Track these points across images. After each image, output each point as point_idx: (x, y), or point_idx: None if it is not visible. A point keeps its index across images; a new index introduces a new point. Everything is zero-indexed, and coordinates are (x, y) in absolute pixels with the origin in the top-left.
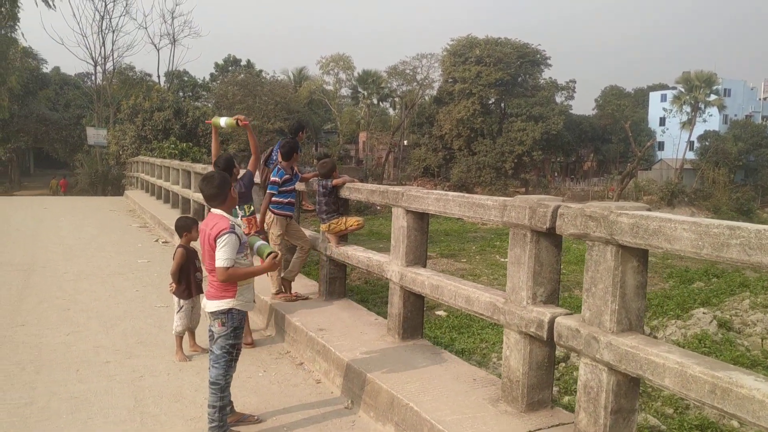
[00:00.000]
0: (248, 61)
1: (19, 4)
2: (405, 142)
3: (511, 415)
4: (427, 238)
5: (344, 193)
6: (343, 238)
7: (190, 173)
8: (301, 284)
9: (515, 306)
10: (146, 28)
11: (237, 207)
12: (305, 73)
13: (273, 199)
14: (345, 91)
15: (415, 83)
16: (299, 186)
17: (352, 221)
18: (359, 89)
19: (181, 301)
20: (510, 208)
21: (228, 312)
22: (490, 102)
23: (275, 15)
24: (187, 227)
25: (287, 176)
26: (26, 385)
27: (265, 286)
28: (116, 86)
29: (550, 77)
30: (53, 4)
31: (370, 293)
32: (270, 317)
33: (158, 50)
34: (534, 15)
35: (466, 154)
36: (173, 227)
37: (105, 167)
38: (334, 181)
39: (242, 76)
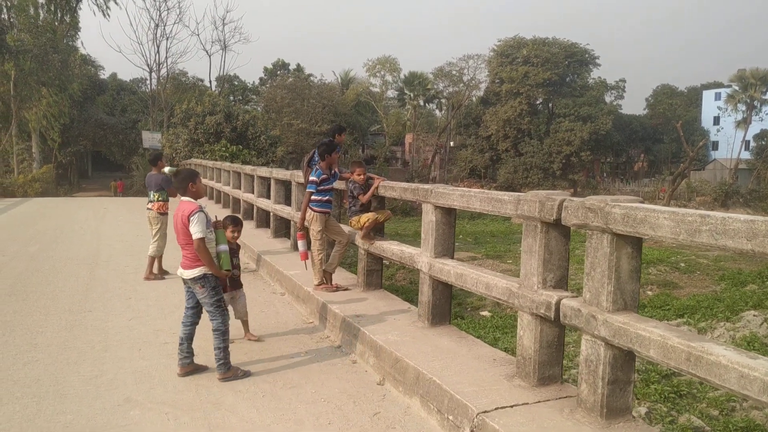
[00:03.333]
0: (298, 65)
1: (78, 15)
2: (451, 144)
3: (523, 389)
4: (454, 232)
5: (380, 191)
6: (378, 232)
7: (240, 174)
8: (342, 277)
9: (527, 290)
10: (198, 35)
11: (154, 192)
12: (352, 75)
13: (312, 197)
14: (391, 93)
15: (461, 84)
16: (339, 184)
17: (366, 218)
18: (405, 91)
19: None
20: (523, 202)
21: (203, 277)
22: (538, 102)
23: (323, 19)
24: (224, 226)
25: (325, 176)
26: (96, 360)
27: (308, 278)
28: (170, 91)
29: (599, 77)
30: (108, 15)
31: (414, 293)
32: (313, 306)
33: (209, 56)
34: (583, 14)
35: (512, 155)
36: None
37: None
38: (364, 198)
39: (291, 79)
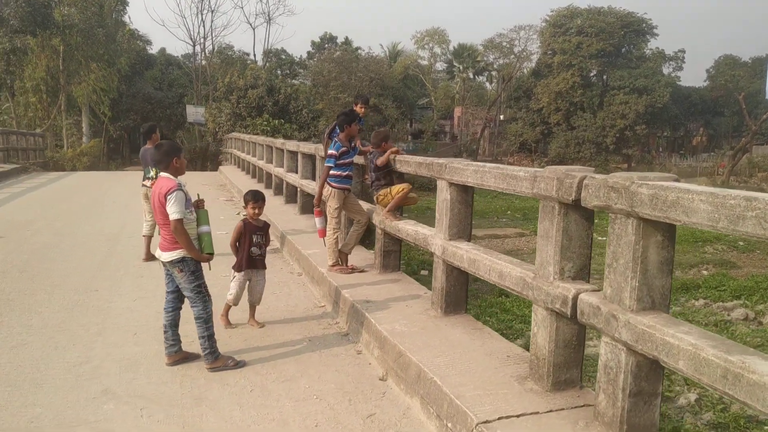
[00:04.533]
0: (346, 38)
1: None
2: (501, 117)
3: (534, 393)
4: (472, 212)
5: (396, 165)
6: (398, 210)
7: (273, 148)
8: (361, 257)
9: (543, 281)
10: (242, 8)
11: (150, 168)
12: (400, 48)
13: (330, 172)
14: (440, 66)
15: (512, 56)
16: (359, 159)
17: (398, 188)
18: (454, 63)
19: (234, 272)
20: (539, 179)
21: (181, 260)
22: (591, 74)
23: None
24: (244, 201)
25: (344, 149)
26: (86, 345)
27: (324, 258)
28: (216, 65)
29: (657, 47)
30: None
31: None
32: (325, 289)
33: (254, 29)
34: None
35: (564, 128)
36: None
37: (203, 144)
38: (379, 160)
39: (338, 53)
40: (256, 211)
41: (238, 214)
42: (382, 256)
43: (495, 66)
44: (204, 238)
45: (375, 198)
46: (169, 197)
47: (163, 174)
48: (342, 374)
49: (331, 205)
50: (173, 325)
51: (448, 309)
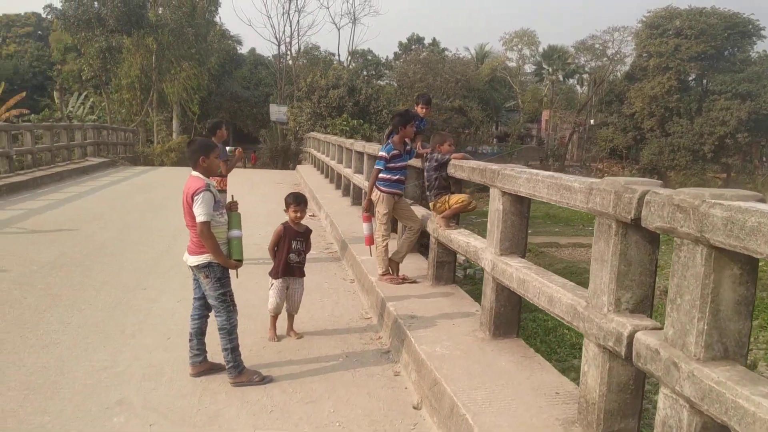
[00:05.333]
0: (433, 39)
1: None
2: (591, 122)
3: None
4: (527, 224)
5: (449, 169)
6: (453, 219)
7: (342, 148)
8: (416, 266)
9: (595, 312)
10: (328, 8)
11: None
12: (488, 49)
13: (380, 175)
14: (528, 68)
15: (605, 58)
16: (416, 162)
17: (456, 199)
18: (544, 65)
19: (271, 279)
20: (595, 192)
21: (208, 265)
22: (690, 78)
23: None
24: (286, 204)
25: (396, 152)
26: (116, 348)
27: (375, 265)
28: (302, 65)
29: (764, 50)
30: None
31: None
32: (373, 299)
33: (339, 29)
34: None
35: (658, 134)
36: (322, 201)
37: (284, 142)
38: (453, 156)
39: (424, 54)
40: (298, 214)
41: (310, 214)
42: (435, 267)
43: (586, 68)
44: (233, 244)
45: (431, 205)
46: (196, 198)
47: (193, 173)
48: (373, 398)
49: (380, 211)
50: (199, 333)
51: (497, 331)
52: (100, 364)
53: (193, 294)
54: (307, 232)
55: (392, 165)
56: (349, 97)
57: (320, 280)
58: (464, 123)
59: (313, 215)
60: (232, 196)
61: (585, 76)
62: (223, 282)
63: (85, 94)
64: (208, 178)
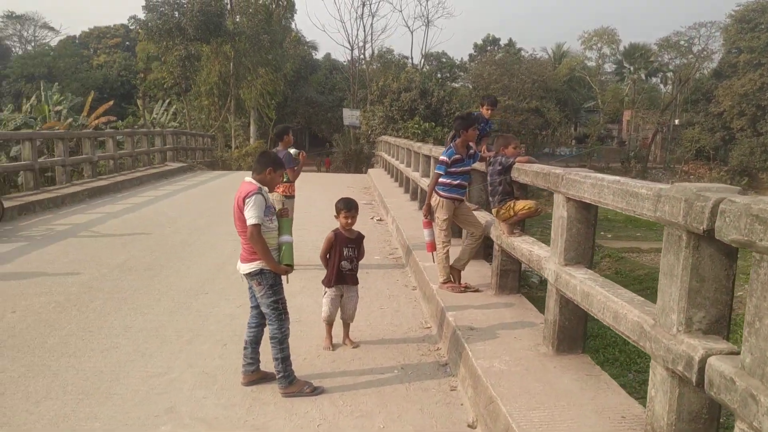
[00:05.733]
0: (509, 40)
1: None
2: (676, 121)
3: None
4: (594, 232)
5: (513, 173)
6: (518, 225)
7: (411, 151)
8: (481, 274)
9: (663, 332)
10: (401, 11)
11: None
12: (566, 49)
13: (440, 180)
14: (609, 67)
15: (690, 56)
16: (480, 166)
17: (522, 205)
18: (625, 64)
19: (324, 287)
20: (663, 199)
21: (260, 273)
22: None
23: None
24: (336, 210)
25: (457, 156)
26: (172, 354)
27: (435, 273)
28: (376, 69)
29: None
30: None
31: None
32: (433, 308)
33: (412, 32)
34: None
35: (749, 134)
36: (390, 205)
37: (357, 146)
38: (517, 159)
39: (500, 55)
40: (349, 221)
41: (372, 218)
42: (498, 275)
43: (670, 66)
44: (284, 249)
45: (494, 211)
46: (247, 201)
47: (246, 179)
48: (426, 415)
49: (440, 216)
50: (254, 342)
51: (560, 347)
52: (155, 370)
53: (250, 302)
54: (359, 238)
55: (453, 170)
56: (421, 100)
57: (382, 287)
58: (541, 124)
59: (380, 219)
60: (283, 203)
61: (669, 74)
62: (275, 289)
63: (168, 101)
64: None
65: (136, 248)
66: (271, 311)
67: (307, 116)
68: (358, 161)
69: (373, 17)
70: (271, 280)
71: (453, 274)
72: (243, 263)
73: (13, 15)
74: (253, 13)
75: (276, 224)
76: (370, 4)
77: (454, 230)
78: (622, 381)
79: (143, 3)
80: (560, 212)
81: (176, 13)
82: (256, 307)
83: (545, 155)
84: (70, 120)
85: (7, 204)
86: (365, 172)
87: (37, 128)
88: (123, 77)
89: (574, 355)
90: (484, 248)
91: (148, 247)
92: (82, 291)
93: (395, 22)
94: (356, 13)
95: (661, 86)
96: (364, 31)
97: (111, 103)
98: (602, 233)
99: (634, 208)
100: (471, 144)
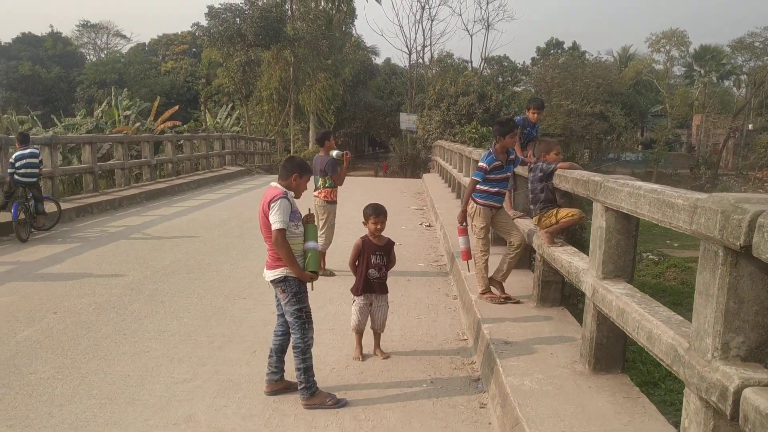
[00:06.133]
0: (573, 43)
1: (354, 3)
2: (750, 126)
3: None
4: (635, 244)
5: (554, 180)
6: (560, 234)
7: (462, 156)
8: (523, 284)
9: (697, 357)
10: (460, 15)
11: (319, 177)
12: (632, 52)
13: (478, 187)
14: (678, 70)
15: (766, 57)
16: (522, 171)
17: (565, 213)
18: (695, 67)
19: (353, 295)
20: (699, 211)
21: (284, 280)
22: None
23: None
24: (365, 216)
25: (497, 162)
26: (201, 360)
27: (475, 282)
28: (435, 74)
29: None
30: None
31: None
32: (471, 319)
33: (471, 36)
34: None
35: None
36: (440, 211)
37: (414, 151)
38: (558, 165)
39: (563, 58)
40: (378, 227)
41: (421, 224)
42: (540, 287)
43: (744, 69)
44: (309, 255)
45: (536, 219)
46: (272, 205)
47: (272, 184)
48: None
49: (476, 224)
50: (279, 350)
51: (597, 365)
52: (181, 377)
53: (277, 310)
54: (389, 245)
55: (492, 176)
56: (479, 104)
57: (422, 295)
58: (606, 129)
59: (429, 225)
60: (309, 209)
61: (743, 77)
62: (299, 297)
63: (231, 105)
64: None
65: (182, 251)
66: (295, 320)
67: (365, 121)
68: (415, 166)
69: (432, 21)
70: (295, 287)
71: (494, 285)
72: (268, 270)
73: (88, 24)
74: (313, 19)
75: (302, 230)
76: (429, 9)
77: (498, 238)
78: (667, 405)
79: (206, 10)
80: (599, 222)
81: (237, 19)
82: (283, 315)
83: (610, 160)
84: (137, 124)
85: (65, 206)
86: (421, 177)
87: (107, 132)
88: (189, 83)
89: (611, 375)
90: (529, 256)
91: (195, 249)
92: (124, 293)
93: (454, 26)
94: (414, 17)
95: (734, 89)
96: (423, 35)
97: (176, 108)
98: (668, 242)
99: (670, 219)
100: (515, 149)
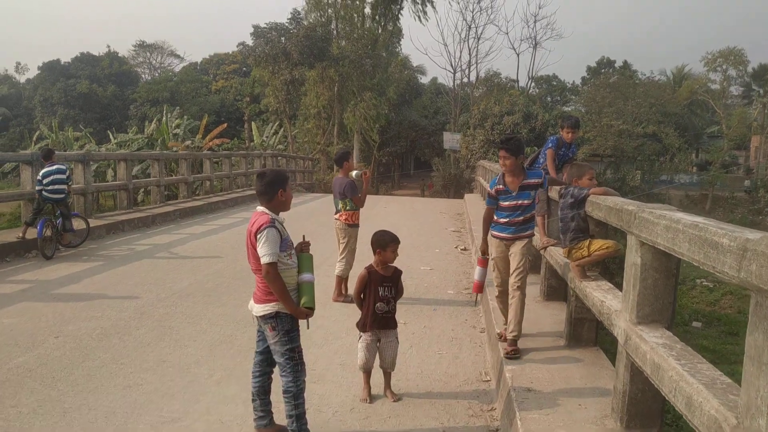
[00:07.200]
0: (624, 62)
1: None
2: None
3: None
4: (676, 284)
5: (587, 207)
6: (595, 267)
7: None
8: (556, 319)
9: None
10: (507, 33)
11: (338, 200)
12: (687, 71)
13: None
14: (735, 90)
15: None
16: (555, 195)
17: (599, 245)
18: (753, 87)
19: (359, 331)
20: (750, 255)
21: (275, 316)
22: None
23: (656, 10)
24: (381, 244)
25: (499, 186)
26: (194, 396)
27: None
28: (481, 93)
29: None
30: (427, 19)
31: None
32: (496, 357)
33: (518, 54)
34: None
35: None
36: (476, 234)
37: (457, 170)
38: (591, 191)
39: (614, 78)
40: (396, 254)
41: (456, 247)
42: (572, 324)
43: None
44: (304, 289)
45: (566, 251)
46: (259, 236)
47: (259, 208)
48: None
49: (490, 256)
50: (262, 393)
51: (631, 423)
52: (169, 415)
53: (256, 347)
54: (396, 275)
55: (501, 203)
56: (524, 124)
57: (447, 327)
58: (659, 150)
59: (465, 249)
60: (304, 236)
61: None
62: (291, 336)
63: (278, 123)
64: (278, 214)
65: (203, 272)
66: (285, 361)
67: (410, 140)
68: (458, 186)
69: (478, 40)
70: (288, 325)
71: (501, 339)
72: (257, 304)
73: (144, 44)
74: (358, 38)
75: (295, 261)
76: (476, 27)
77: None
78: None
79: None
80: (633, 258)
81: (282, 38)
82: (262, 352)
83: (662, 182)
84: (188, 142)
85: (96, 223)
86: (463, 198)
87: (157, 149)
88: (238, 101)
89: None
90: (565, 289)
91: (216, 271)
92: (133, 317)
93: (500, 44)
94: (460, 36)
95: None
96: (469, 53)
97: (225, 125)
98: None
99: (713, 263)
100: (550, 171)
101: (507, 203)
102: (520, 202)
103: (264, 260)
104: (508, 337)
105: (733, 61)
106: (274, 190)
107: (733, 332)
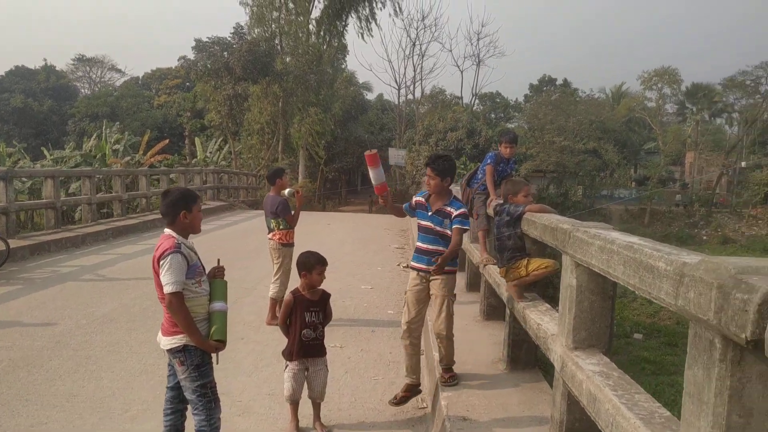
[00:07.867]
0: (564, 80)
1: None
2: (743, 164)
3: None
4: (613, 306)
5: (523, 225)
6: (532, 287)
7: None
8: (495, 340)
9: None
10: (451, 51)
11: (271, 219)
12: (624, 89)
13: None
14: (670, 108)
15: (758, 96)
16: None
17: (537, 264)
18: (687, 105)
19: (285, 360)
20: (687, 281)
21: (183, 349)
22: None
23: (593, 31)
24: (307, 266)
25: (420, 199)
26: None
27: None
28: (426, 109)
29: None
30: (371, 35)
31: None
32: (433, 383)
33: (462, 71)
34: None
35: None
36: None
37: (402, 186)
38: (527, 208)
39: (556, 95)
40: (323, 276)
41: (399, 265)
42: (509, 346)
43: (736, 107)
44: (215, 319)
45: (502, 270)
46: (162, 262)
47: (166, 230)
48: None
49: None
50: None
51: None
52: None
53: (167, 382)
54: (324, 298)
55: (419, 220)
56: (468, 140)
57: (385, 350)
58: (599, 165)
59: (407, 266)
60: (218, 260)
61: (734, 115)
62: (202, 371)
63: (222, 139)
64: (187, 237)
65: (131, 295)
66: (197, 398)
67: (356, 156)
68: (403, 201)
69: (422, 56)
70: (197, 359)
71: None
72: (164, 336)
73: (84, 58)
74: (302, 54)
75: (206, 288)
76: (420, 44)
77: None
78: None
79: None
80: (569, 279)
81: (225, 53)
82: (173, 388)
83: (603, 197)
84: (128, 158)
85: (19, 243)
86: None
87: (96, 165)
88: (181, 117)
89: None
90: (504, 309)
91: (144, 294)
92: (47, 346)
93: (444, 61)
94: (404, 52)
95: (726, 127)
96: (414, 70)
97: (167, 141)
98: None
99: (649, 288)
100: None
101: (422, 221)
102: (430, 224)
103: (167, 289)
104: (441, 366)
105: (667, 80)
106: (176, 212)
107: (672, 343)
